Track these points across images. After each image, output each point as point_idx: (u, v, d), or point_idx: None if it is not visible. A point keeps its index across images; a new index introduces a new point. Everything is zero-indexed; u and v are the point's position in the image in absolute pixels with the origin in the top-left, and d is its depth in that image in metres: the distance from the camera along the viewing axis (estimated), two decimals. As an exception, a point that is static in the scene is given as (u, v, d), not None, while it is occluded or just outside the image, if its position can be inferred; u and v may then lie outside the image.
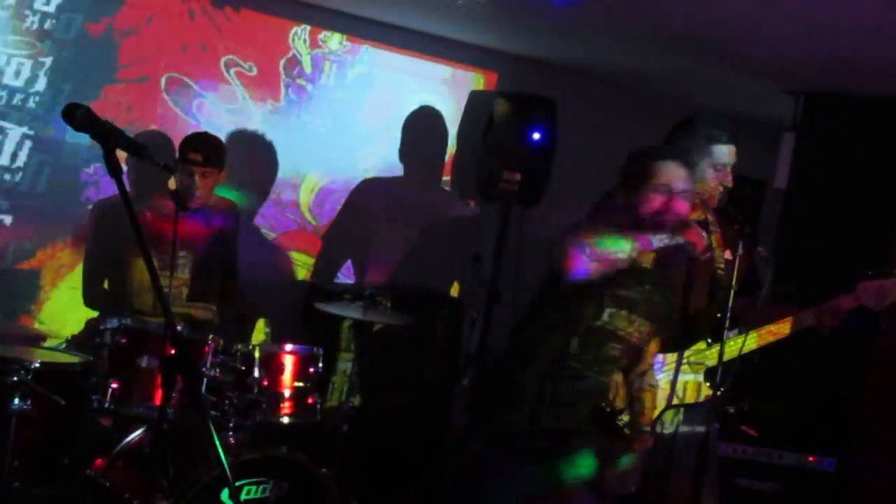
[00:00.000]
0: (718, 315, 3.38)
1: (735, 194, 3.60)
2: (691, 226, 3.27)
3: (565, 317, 3.33)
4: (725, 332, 3.34)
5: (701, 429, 3.53)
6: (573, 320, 3.31)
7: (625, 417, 3.29)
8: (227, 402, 3.99)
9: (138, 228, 2.66)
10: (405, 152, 5.92)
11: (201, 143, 4.60)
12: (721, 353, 3.33)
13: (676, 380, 3.45)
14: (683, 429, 3.54)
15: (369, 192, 5.84)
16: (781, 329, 3.54)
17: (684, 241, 3.24)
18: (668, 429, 3.52)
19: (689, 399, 3.46)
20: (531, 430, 3.28)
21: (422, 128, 5.96)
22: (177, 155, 4.62)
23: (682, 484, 3.51)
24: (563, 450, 3.29)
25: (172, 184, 4.58)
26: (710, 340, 3.48)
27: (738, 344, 3.47)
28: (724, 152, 3.54)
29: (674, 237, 3.23)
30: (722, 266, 3.50)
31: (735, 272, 3.35)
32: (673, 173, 3.29)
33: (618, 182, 3.40)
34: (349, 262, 5.87)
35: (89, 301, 4.79)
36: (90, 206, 4.94)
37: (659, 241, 3.22)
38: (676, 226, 3.24)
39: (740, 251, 3.41)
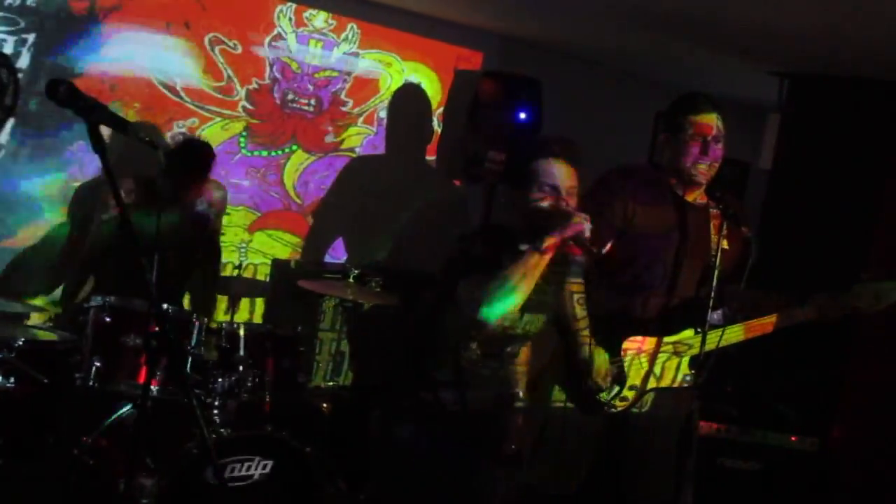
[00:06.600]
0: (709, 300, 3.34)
1: (720, 175, 3.59)
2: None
3: None
4: (710, 314, 3.33)
5: (682, 413, 3.52)
6: None
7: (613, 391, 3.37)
8: (211, 380, 3.99)
9: (122, 205, 2.64)
10: (390, 131, 5.90)
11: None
12: (704, 340, 3.32)
13: (653, 364, 3.44)
14: (663, 412, 3.52)
15: (357, 172, 5.82)
16: (766, 325, 3.52)
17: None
18: (647, 411, 3.50)
19: (668, 377, 3.45)
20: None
21: (405, 106, 5.95)
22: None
23: (660, 467, 3.50)
24: None
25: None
26: (697, 329, 3.44)
27: (726, 335, 3.45)
28: (696, 121, 3.49)
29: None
30: (716, 253, 3.43)
31: (719, 254, 3.34)
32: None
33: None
34: (337, 242, 5.86)
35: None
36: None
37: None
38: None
39: (724, 231, 3.40)
